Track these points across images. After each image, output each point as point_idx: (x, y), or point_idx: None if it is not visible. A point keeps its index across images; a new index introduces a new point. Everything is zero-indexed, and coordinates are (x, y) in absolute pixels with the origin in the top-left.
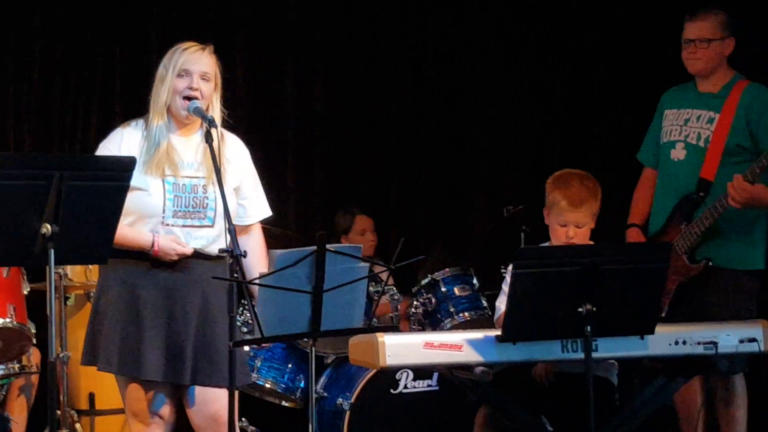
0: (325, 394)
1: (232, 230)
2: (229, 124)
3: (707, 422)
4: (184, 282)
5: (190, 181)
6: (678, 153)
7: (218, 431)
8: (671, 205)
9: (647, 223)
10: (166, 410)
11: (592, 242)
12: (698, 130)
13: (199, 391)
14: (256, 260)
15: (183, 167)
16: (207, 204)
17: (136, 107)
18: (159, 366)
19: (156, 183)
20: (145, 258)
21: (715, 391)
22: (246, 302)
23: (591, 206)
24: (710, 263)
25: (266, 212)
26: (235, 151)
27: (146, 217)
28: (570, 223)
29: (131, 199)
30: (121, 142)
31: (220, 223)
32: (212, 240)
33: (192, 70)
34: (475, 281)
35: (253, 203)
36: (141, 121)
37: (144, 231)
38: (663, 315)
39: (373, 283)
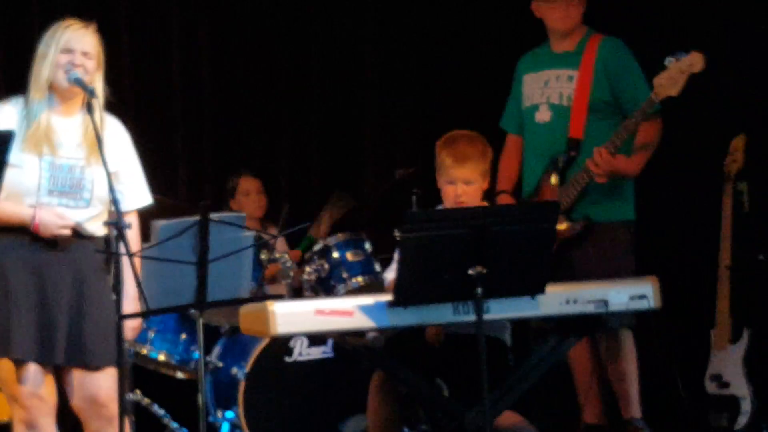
0: (220, 364)
1: (117, 201)
2: (115, 95)
3: (599, 379)
4: (54, 261)
5: (68, 161)
6: (542, 115)
7: (99, 412)
8: (542, 167)
9: (517, 189)
10: (44, 391)
11: (485, 203)
12: (559, 90)
13: (75, 373)
14: (133, 248)
15: (61, 147)
16: (83, 185)
17: (19, 81)
18: (30, 345)
19: (32, 160)
20: (13, 234)
21: (601, 346)
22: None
23: (478, 163)
24: (590, 220)
25: (145, 200)
26: (115, 135)
27: (20, 195)
28: (457, 180)
29: (5, 175)
30: None
31: (95, 205)
32: (86, 221)
33: (75, 48)
34: (367, 246)
35: (131, 190)
36: (20, 99)
37: (24, 206)
38: None
39: (265, 251)
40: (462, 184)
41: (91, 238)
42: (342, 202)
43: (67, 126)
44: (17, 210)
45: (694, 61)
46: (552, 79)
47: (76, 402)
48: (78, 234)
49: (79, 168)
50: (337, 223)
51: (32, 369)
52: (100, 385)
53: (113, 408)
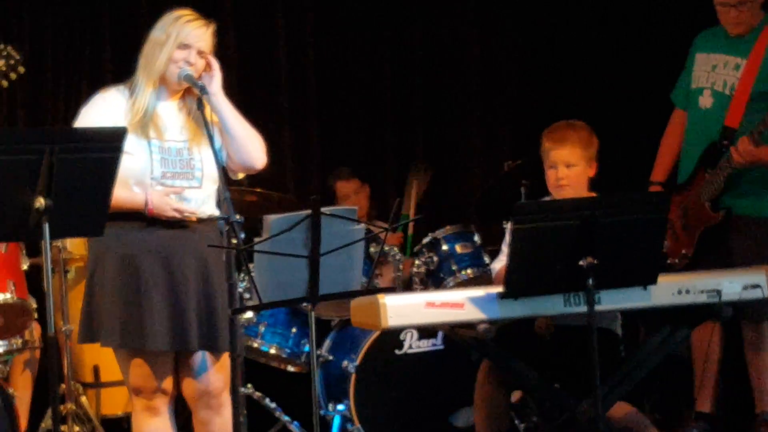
0: (331, 358)
1: (228, 197)
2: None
3: (720, 369)
4: (180, 247)
5: (175, 144)
6: (705, 101)
7: (208, 403)
8: (698, 153)
9: (673, 173)
10: (168, 383)
11: (589, 190)
12: (725, 77)
13: (192, 362)
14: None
15: (167, 131)
16: (194, 165)
17: (126, 75)
18: (164, 335)
19: (142, 144)
20: (138, 222)
21: (745, 337)
22: (245, 269)
23: (576, 146)
24: (732, 212)
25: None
26: None
27: (132, 179)
28: (557, 162)
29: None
30: (104, 107)
31: (207, 186)
32: (202, 202)
33: (193, 45)
34: (476, 238)
35: None
36: (122, 86)
37: (136, 191)
38: (684, 262)
39: (374, 244)
40: (563, 166)
41: (210, 220)
42: (423, 170)
43: (170, 109)
44: (130, 197)
45: None
46: (720, 64)
47: (187, 391)
48: (198, 219)
49: (186, 150)
50: (425, 191)
51: (161, 362)
52: (210, 379)
53: (222, 399)
